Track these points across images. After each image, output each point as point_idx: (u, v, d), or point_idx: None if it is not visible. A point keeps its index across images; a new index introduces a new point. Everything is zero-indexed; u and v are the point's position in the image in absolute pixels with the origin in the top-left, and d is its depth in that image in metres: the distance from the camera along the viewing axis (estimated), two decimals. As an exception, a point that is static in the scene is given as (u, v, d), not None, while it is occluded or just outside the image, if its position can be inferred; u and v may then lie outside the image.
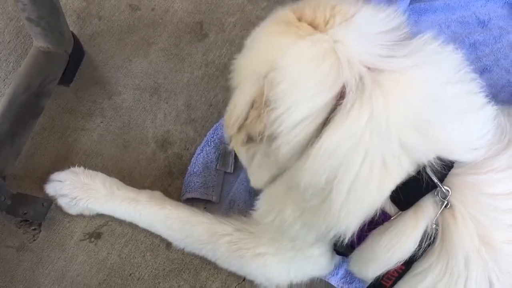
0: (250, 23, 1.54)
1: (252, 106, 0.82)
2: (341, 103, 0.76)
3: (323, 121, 0.78)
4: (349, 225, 0.83)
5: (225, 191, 1.32)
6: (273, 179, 0.93)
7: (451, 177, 0.82)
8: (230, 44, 1.51)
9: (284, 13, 0.84)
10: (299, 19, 0.81)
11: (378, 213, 0.81)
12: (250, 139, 0.86)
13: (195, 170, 1.32)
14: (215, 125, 1.37)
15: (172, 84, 1.45)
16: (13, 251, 1.24)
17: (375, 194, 0.80)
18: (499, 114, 0.89)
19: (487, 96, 0.86)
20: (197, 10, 1.55)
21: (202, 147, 1.33)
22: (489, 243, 0.81)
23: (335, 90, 0.77)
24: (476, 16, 1.52)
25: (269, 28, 0.85)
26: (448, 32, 1.50)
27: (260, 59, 0.83)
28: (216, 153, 1.33)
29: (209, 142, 1.35)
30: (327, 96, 0.77)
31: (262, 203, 1.03)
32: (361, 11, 0.82)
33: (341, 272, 1.20)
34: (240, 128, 0.85)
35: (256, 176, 0.98)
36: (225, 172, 1.33)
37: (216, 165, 1.33)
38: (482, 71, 1.43)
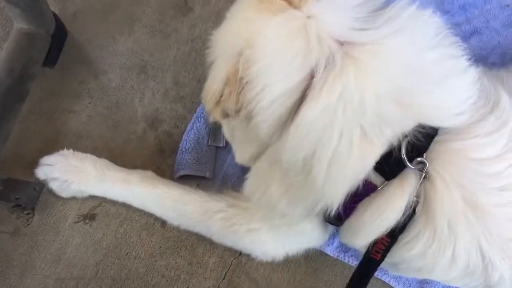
0: (235, -5, 1.51)
1: (226, 82, 0.81)
2: (313, 80, 0.76)
3: (298, 99, 0.78)
4: (334, 198, 0.83)
5: (218, 166, 1.31)
6: (257, 156, 0.93)
7: (436, 144, 0.81)
8: (216, 18, 1.48)
9: None
10: None
11: (362, 184, 0.82)
12: (226, 115, 0.85)
13: (186, 147, 1.31)
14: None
15: (159, 61, 1.43)
16: (8, 237, 1.24)
17: (358, 167, 0.80)
18: (482, 77, 0.88)
19: (470, 59, 0.84)
20: (181, -16, 1.52)
21: (193, 123, 1.32)
22: (476, 206, 0.81)
23: (307, 68, 0.76)
24: (465, -23, 1.49)
25: (245, 3, 0.84)
26: (437, -6, 1.47)
27: (235, 35, 0.82)
28: (207, 128, 1.32)
29: (199, 118, 1.33)
30: (299, 75, 0.77)
31: (249, 182, 1.03)
32: None
33: (337, 241, 1.21)
34: (216, 104, 0.84)
35: (239, 152, 0.99)
36: (217, 147, 1.32)
37: (208, 141, 1.32)
38: (472, 33, 1.42)
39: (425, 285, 1.18)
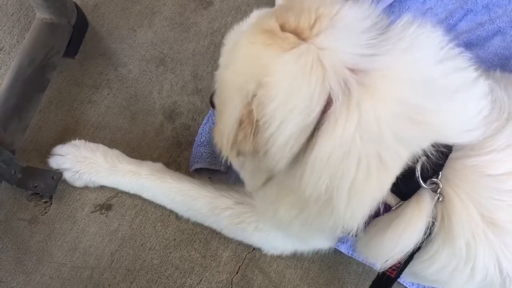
0: (256, -11, 1.50)
1: (239, 125, 0.79)
2: (328, 112, 0.75)
3: (313, 130, 0.77)
4: (355, 222, 0.82)
5: (233, 161, 1.31)
6: (265, 182, 0.92)
7: (452, 162, 0.80)
8: (236, 12, 1.48)
9: (266, 21, 0.80)
10: (282, 28, 0.77)
11: (380, 206, 0.81)
12: (241, 155, 0.84)
13: (202, 140, 1.31)
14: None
15: (178, 54, 1.43)
16: (25, 224, 1.26)
17: (377, 191, 0.78)
18: (495, 87, 0.86)
19: (478, 68, 0.82)
20: (202, -23, 1.52)
21: (208, 117, 1.32)
22: (494, 223, 0.79)
23: (323, 100, 0.75)
24: (490, -23, 1.47)
25: (252, 39, 0.80)
26: (462, -6, 1.45)
27: (245, 75, 0.79)
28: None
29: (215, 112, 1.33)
30: (317, 109, 0.75)
31: (258, 202, 1.03)
32: (342, 11, 0.79)
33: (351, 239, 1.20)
34: (231, 147, 0.82)
35: (251, 182, 0.98)
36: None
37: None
38: (496, 32, 1.40)
39: None
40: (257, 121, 0.77)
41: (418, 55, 0.77)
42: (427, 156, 0.77)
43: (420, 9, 1.44)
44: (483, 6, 1.42)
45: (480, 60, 1.32)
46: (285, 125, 0.76)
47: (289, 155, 0.78)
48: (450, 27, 1.41)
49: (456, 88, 0.79)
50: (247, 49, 0.80)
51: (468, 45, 1.38)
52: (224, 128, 0.82)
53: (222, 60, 0.93)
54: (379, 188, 0.78)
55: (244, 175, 0.98)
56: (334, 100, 0.74)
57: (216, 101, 0.91)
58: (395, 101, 0.75)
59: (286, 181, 0.84)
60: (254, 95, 0.77)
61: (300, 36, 0.76)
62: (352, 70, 0.75)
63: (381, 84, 0.74)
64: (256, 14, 0.92)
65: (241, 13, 1.48)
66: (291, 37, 0.76)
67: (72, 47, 1.37)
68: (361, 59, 0.75)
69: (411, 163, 0.78)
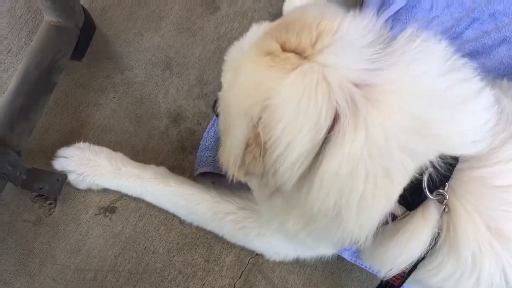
0: (262, -5, 1.51)
1: (246, 148, 0.80)
2: (335, 128, 0.75)
3: (321, 147, 0.77)
4: (363, 234, 0.82)
5: (237, 165, 1.32)
6: (272, 193, 0.92)
7: (458, 173, 0.80)
8: (242, 17, 1.49)
9: (267, 43, 0.79)
10: (283, 48, 0.77)
11: (387, 216, 0.81)
12: (249, 175, 0.85)
13: (207, 144, 1.31)
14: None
15: (184, 59, 1.44)
16: (30, 225, 1.26)
17: (385, 204, 0.79)
18: (502, 97, 0.86)
19: (484, 78, 0.82)
20: (209, -18, 1.53)
21: (213, 121, 1.33)
22: (500, 234, 0.79)
23: (331, 118, 0.75)
24: (496, -15, 1.47)
25: (253, 61, 0.79)
26: (467, 2, 1.45)
27: (249, 100, 0.78)
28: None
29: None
30: (325, 127, 0.75)
31: (264, 212, 1.04)
32: (343, 24, 0.78)
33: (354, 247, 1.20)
34: (239, 169, 0.83)
35: (256, 193, 0.99)
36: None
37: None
38: (502, 41, 1.40)
39: None
40: (264, 143, 0.77)
41: (423, 68, 0.77)
42: (434, 167, 0.77)
43: (426, 17, 1.45)
44: (489, 15, 1.43)
45: (486, 69, 1.33)
46: (293, 145, 0.75)
47: (298, 174, 0.78)
48: (456, 36, 1.42)
49: (461, 99, 0.79)
50: (250, 73, 0.80)
51: (474, 54, 1.38)
52: (231, 150, 0.83)
53: (224, 78, 0.93)
54: (387, 200, 0.79)
55: (251, 186, 0.98)
56: (341, 116, 0.74)
57: (221, 122, 0.90)
58: (401, 115, 0.75)
59: (293, 195, 0.84)
60: (259, 118, 0.77)
61: (302, 54, 0.76)
62: (358, 85, 0.74)
63: (387, 98, 0.74)
64: (255, 29, 0.91)
65: (247, 19, 1.48)
66: (293, 57, 0.76)
67: (79, 50, 1.38)
68: (366, 74, 0.75)
69: (418, 175, 0.78)
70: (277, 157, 0.77)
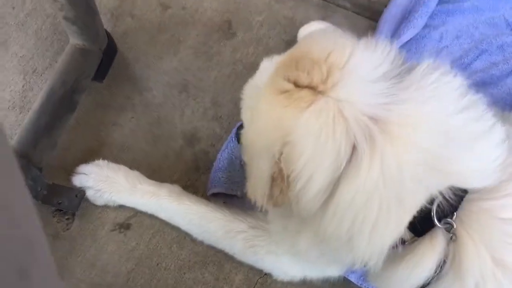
0: (277, 22, 1.57)
1: (273, 181, 0.84)
2: (352, 159, 0.78)
3: (338, 176, 0.80)
4: (373, 259, 0.86)
5: (249, 186, 1.35)
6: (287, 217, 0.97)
7: (467, 203, 0.83)
8: (258, 43, 1.54)
9: (280, 83, 0.82)
10: (296, 85, 0.80)
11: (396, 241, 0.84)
12: (276, 206, 0.89)
13: (220, 165, 1.35)
14: (239, 122, 1.40)
15: (200, 82, 1.49)
16: (48, 239, 1.30)
17: (396, 230, 0.82)
18: (510, 131, 0.88)
19: (494, 112, 0.85)
20: (226, 9, 1.59)
21: (227, 143, 1.37)
22: (504, 265, 0.82)
23: (349, 150, 0.78)
24: (505, 18, 1.51)
25: (269, 101, 0.83)
26: (476, 34, 1.49)
27: (269, 138, 0.82)
28: (241, 149, 1.37)
29: (233, 139, 1.38)
30: (344, 161, 0.78)
31: (276, 230, 1.08)
32: (354, 57, 0.81)
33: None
34: (267, 201, 0.87)
35: (271, 217, 1.05)
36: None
37: (241, 161, 1.36)
38: (509, 73, 1.43)
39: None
40: (287, 176, 0.81)
41: (440, 106, 0.80)
42: (444, 197, 0.80)
43: (436, 47, 1.49)
44: (497, 47, 1.46)
45: (494, 99, 1.36)
46: (314, 179, 0.79)
47: (319, 203, 0.82)
48: (465, 66, 1.45)
49: (474, 137, 0.82)
50: (267, 112, 0.84)
51: (482, 84, 1.41)
52: (257, 184, 0.87)
53: (244, 116, 0.98)
54: (397, 227, 0.82)
55: (268, 208, 1.02)
56: (358, 149, 0.77)
57: (245, 155, 0.94)
58: (416, 149, 0.78)
59: (308, 218, 0.87)
60: (280, 154, 0.81)
61: (315, 89, 0.79)
62: (373, 119, 0.77)
63: (403, 132, 0.77)
64: (266, 65, 0.94)
65: (262, 45, 1.54)
66: (306, 94, 0.79)
67: (101, 72, 1.44)
68: (381, 108, 0.78)
69: (428, 204, 0.81)
70: (300, 190, 0.81)
